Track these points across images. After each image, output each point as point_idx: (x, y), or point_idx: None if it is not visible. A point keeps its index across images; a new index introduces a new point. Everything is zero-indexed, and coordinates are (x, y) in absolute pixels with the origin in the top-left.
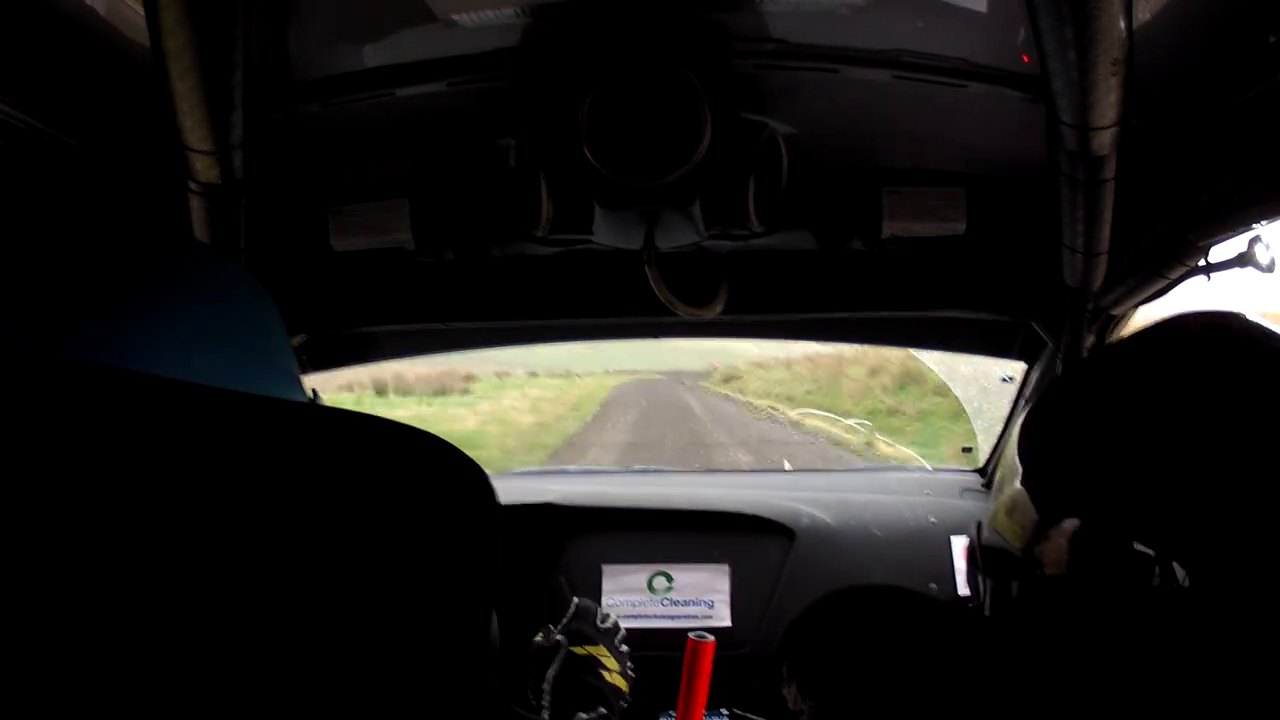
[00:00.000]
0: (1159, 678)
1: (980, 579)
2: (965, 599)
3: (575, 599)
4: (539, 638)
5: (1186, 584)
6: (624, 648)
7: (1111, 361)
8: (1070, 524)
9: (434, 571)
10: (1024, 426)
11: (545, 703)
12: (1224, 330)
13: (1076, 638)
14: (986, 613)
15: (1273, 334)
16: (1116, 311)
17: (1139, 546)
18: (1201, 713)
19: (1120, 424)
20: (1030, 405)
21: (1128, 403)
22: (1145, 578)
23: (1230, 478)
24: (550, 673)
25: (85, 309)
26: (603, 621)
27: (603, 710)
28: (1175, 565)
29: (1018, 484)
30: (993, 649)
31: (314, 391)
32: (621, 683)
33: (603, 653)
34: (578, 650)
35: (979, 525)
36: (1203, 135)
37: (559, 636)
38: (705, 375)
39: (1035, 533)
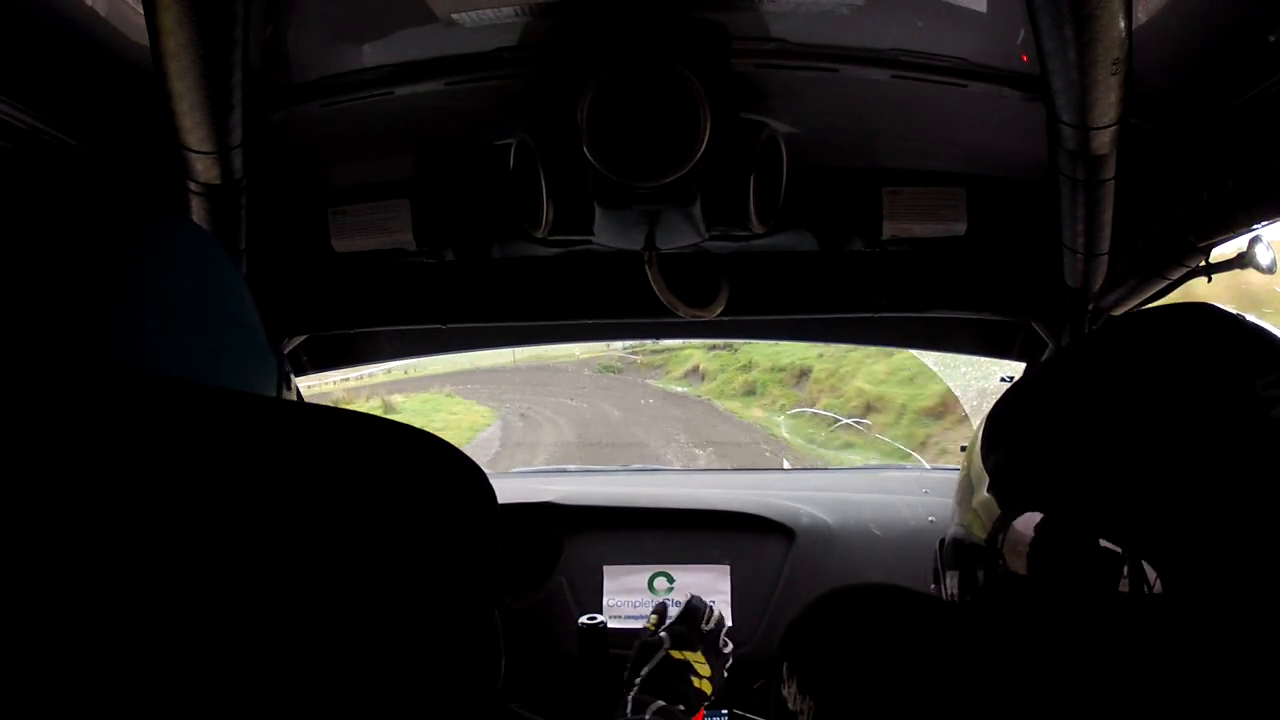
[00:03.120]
0: (1123, 683)
1: (941, 574)
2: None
3: (692, 595)
4: (649, 624)
5: (1158, 587)
6: (727, 647)
7: (1080, 351)
8: (1032, 517)
9: (434, 571)
10: (991, 413)
11: (631, 695)
12: (1199, 318)
13: (1039, 635)
14: (950, 601)
15: (1249, 323)
16: (1117, 312)
17: (1105, 543)
18: None
19: (1086, 411)
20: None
21: (1096, 390)
22: (1112, 577)
23: (1199, 472)
24: (645, 670)
25: (61, 296)
26: (706, 621)
27: (681, 708)
28: (1145, 565)
29: (979, 467)
30: (975, 644)
31: (282, 359)
32: (708, 687)
33: (699, 659)
34: (675, 654)
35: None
36: (1203, 135)
37: (663, 634)
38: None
39: (997, 525)
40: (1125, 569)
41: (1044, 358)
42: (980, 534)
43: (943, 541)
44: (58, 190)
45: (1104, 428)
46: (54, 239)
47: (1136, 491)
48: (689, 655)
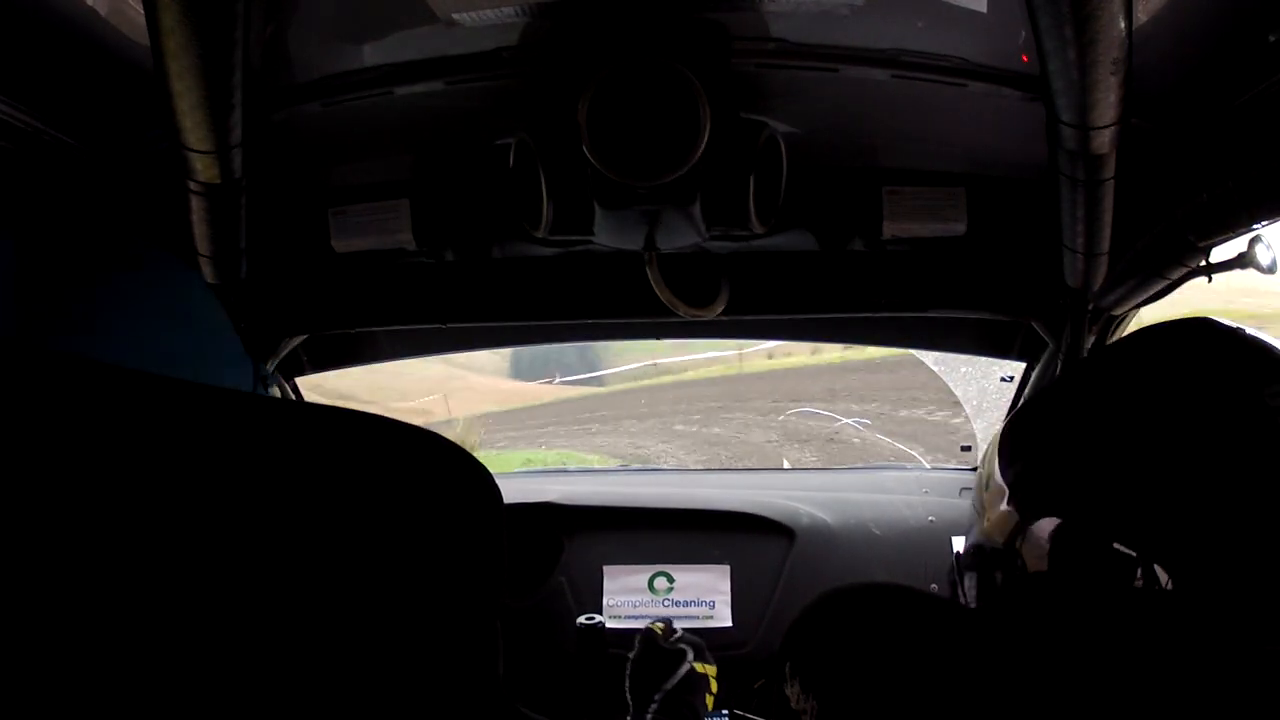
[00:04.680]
0: (1137, 679)
1: (961, 577)
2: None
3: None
4: (656, 628)
5: (1170, 587)
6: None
7: (1098, 363)
8: (1049, 522)
9: (441, 570)
10: (1008, 425)
11: (651, 711)
12: (1209, 333)
13: (1057, 635)
14: (971, 606)
15: (1256, 337)
16: (1117, 312)
17: (1120, 547)
18: (1178, 715)
19: (1101, 422)
20: (1019, 407)
21: (1110, 402)
22: (1127, 579)
23: (1211, 481)
24: (668, 685)
25: (60, 301)
26: None
27: None
28: (1157, 568)
29: (998, 479)
30: (979, 643)
31: (258, 363)
32: (710, 701)
33: (713, 673)
34: (698, 667)
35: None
36: (1203, 135)
37: (685, 646)
38: None
39: (1016, 530)
40: (1141, 572)
41: (1056, 371)
42: (999, 540)
43: (959, 550)
44: (42, 200)
45: (1120, 439)
46: (35, 243)
47: (1154, 498)
48: (707, 669)
